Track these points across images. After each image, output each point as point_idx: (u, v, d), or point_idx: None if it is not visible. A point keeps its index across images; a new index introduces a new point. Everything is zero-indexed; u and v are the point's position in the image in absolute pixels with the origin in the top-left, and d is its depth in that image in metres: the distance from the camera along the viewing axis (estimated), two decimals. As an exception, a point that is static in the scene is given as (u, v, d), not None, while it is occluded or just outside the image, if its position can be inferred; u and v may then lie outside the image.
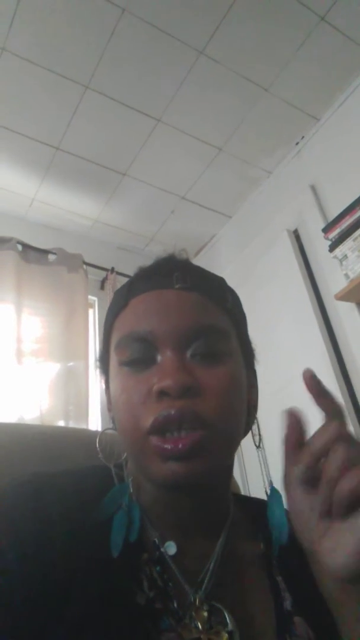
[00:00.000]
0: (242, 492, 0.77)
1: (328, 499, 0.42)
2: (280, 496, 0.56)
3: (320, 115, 2.28)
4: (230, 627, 0.47)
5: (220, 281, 0.61)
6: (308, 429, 0.48)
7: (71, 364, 2.24)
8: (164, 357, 0.51)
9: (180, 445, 0.47)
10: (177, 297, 0.54)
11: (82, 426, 2.12)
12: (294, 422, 0.48)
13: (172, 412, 0.48)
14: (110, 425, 0.60)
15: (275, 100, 2.18)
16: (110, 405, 0.60)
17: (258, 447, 0.57)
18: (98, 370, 0.64)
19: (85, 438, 0.81)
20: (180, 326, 0.52)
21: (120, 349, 0.54)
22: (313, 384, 0.48)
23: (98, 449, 0.56)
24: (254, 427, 0.59)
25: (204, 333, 0.53)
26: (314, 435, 0.45)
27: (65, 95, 2.05)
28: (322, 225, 2.05)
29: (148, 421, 0.49)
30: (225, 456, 0.54)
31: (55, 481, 0.54)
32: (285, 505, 0.55)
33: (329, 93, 2.19)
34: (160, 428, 0.48)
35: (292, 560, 0.56)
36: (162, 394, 0.49)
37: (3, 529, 0.47)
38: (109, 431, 0.59)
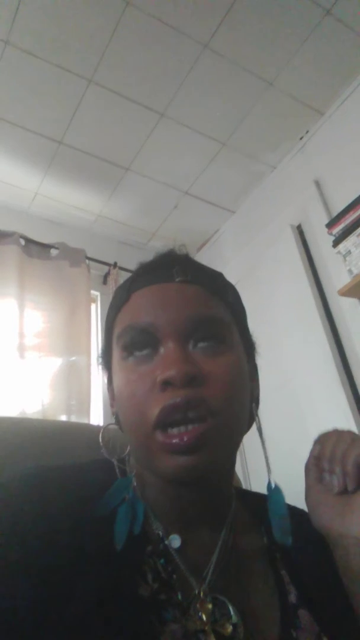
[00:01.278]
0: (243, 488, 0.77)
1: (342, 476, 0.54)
2: (280, 491, 0.57)
3: (324, 109, 2.26)
4: (234, 619, 0.48)
5: (220, 276, 0.62)
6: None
7: (73, 358, 2.24)
8: (166, 348, 0.52)
9: (185, 439, 0.47)
10: (178, 290, 0.55)
11: (84, 421, 2.12)
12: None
13: (178, 400, 0.48)
14: (113, 421, 0.60)
15: (280, 95, 2.17)
16: (112, 401, 0.60)
17: (260, 437, 0.58)
18: (100, 367, 0.64)
19: (87, 433, 0.81)
20: (181, 317, 0.53)
21: (122, 342, 0.55)
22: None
23: (101, 443, 0.56)
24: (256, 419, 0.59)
25: (206, 324, 0.53)
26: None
27: (68, 89, 2.04)
28: (326, 221, 2.04)
29: (154, 412, 0.49)
30: (230, 448, 0.54)
31: (59, 474, 0.54)
32: (287, 500, 0.57)
33: (334, 87, 2.18)
34: (167, 418, 0.48)
35: (298, 554, 0.56)
36: (166, 384, 0.49)
37: (6, 520, 0.47)
38: (112, 427, 0.59)
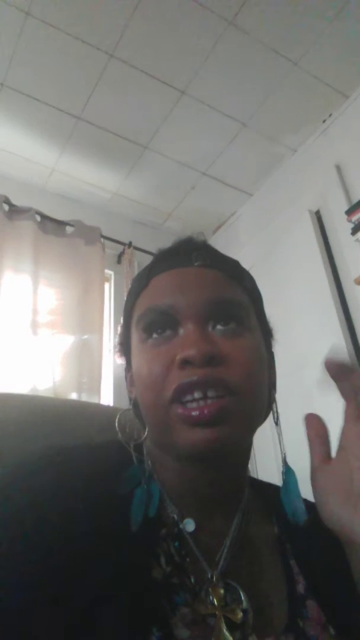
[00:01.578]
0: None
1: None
2: (294, 474, 0.57)
3: (349, 92, 2.20)
4: (245, 605, 0.48)
5: (237, 263, 0.63)
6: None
7: (86, 336, 2.25)
8: (186, 329, 0.52)
9: (206, 411, 0.47)
10: (197, 274, 0.56)
11: (95, 399, 2.14)
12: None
13: (195, 378, 0.48)
14: (126, 403, 0.61)
15: (304, 75, 2.11)
16: (131, 387, 0.60)
17: (277, 424, 0.58)
18: (118, 352, 0.64)
19: (97, 413, 0.82)
20: (200, 299, 0.53)
21: (142, 324, 0.55)
22: (332, 367, 0.50)
23: (117, 429, 0.56)
24: (274, 405, 0.59)
25: (224, 305, 0.54)
26: None
27: (88, 63, 2.00)
28: (346, 207, 2.01)
29: (170, 389, 0.49)
30: (248, 427, 0.54)
31: (75, 453, 0.55)
32: (299, 488, 0.56)
33: (360, 69, 2.11)
34: (183, 394, 0.49)
35: (308, 546, 0.56)
36: (186, 362, 0.49)
37: (22, 501, 0.47)
38: (128, 412, 0.60)
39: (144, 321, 0.55)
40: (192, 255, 0.57)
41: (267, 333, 0.61)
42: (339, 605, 0.51)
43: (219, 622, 0.46)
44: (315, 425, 0.53)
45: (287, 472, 0.57)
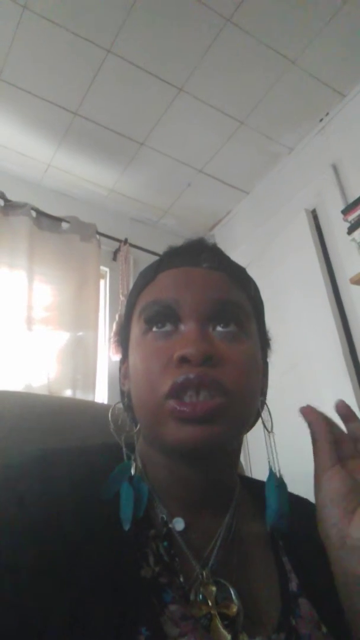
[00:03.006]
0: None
1: None
2: (273, 476, 0.56)
3: (347, 91, 2.21)
4: (235, 603, 0.48)
5: (244, 270, 0.63)
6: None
7: (80, 333, 2.25)
8: (187, 327, 0.53)
9: (198, 409, 0.48)
10: (204, 274, 0.57)
11: (89, 396, 2.13)
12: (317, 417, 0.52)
13: (191, 376, 0.49)
14: (120, 399, 0.61)
15: (302, 74, 2.11)
16: (124, 379, 0.61)
17: (270, 431, 0.57)
18: (114, 344, 0.65)
19: (92, 411, 0.82)
20: (205, 299, 0.54)
21: (144, 316, 0.56)
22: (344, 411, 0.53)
23: (110, 420, 0.56)
24: (265, 414, 0.59)
25: (228, 309, 0.55)
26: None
27: (86, 59, 1.99)
28: (342, 207, 2.01)
29: (166, 385, 0.50)
30: (238, 428, 0.54)
31: (64, 456, 0.55)
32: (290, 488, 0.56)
33: (358, 69, 2.11)
34: (178, 391, 0.49)
35: (301, 544, 0.56)
36: (183, 360, 0.50)
37: (11, 501, 0.47)
38: (120, 405, 0.60)
39: (147, 313, 0.55)
40: (201, 256, 0.58)
41: (264, 342, 0.62)
42: (331, 603, 0.51)
43: (214, 620, 0.46)
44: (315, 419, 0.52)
45: (279, 486, 0.55)
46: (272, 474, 0.56)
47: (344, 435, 0.52)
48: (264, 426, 0.58)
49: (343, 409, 0.53)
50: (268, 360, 0.63)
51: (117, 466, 0.53)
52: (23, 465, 0.52)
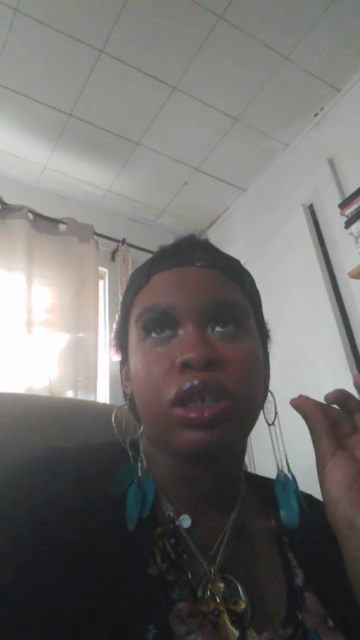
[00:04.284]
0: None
1: None
2: (294, 482, 0.56)
3: (341, 85, 2.20)
4: (242, 599, 0.48)
5: (238, 263, 0.63)
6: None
7: (81, 334, 2.25)
8: (186, 331, 0.52)
9: (205, 414, 0.48)
10: (199, 274, 0.56)
11: (91, 397, 2.13)
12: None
13: (196, 382, 0.48)
14: (122, 401, 0.61)
15: (295, 69, 2.11)
16: (126, 382, 0.61)
17: (272, 424, 0.58)
18: (114, 347, 0.64)
19: (94, 411, 0.82)
20: (201, 301, 0.53)
21: (141, 322, 0.55)
22: None
23: (113, 424, 0.56)
24: (270, 405, 0.59)
25: (225, 308, 0.54)
26: None
27: (78, 60, 1.99)
28: (339, 201, 2.01)
29: (171, 392, 0.49)
30: (244, 429, 0.54)
31: (70, 456, 0.55)
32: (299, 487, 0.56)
33: (351, 63, 2.11)
34: (184, 399, 0.49)
35: (305, 538, 0.56)
36: (185, 366, 0.50)
37: (17, 500, 0.47)
38: (123, 408, 0.60)
39: (143, 319, 0.55)
40: (194, 255, 0.57)
41: (264, 334, 0.62)
42: (337, 597, 0.51)
43: (222, 617, 0.46)
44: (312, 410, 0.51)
45: (287, 482, 0.56)
46: (280, 473, 0.56)
47: (340, 414, 0.51)
48: (266, 419, 0.58)
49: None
50: (269, 350, 0.63)
51: (123, 466, 0.54)
52: (30, 463, 0.52)
